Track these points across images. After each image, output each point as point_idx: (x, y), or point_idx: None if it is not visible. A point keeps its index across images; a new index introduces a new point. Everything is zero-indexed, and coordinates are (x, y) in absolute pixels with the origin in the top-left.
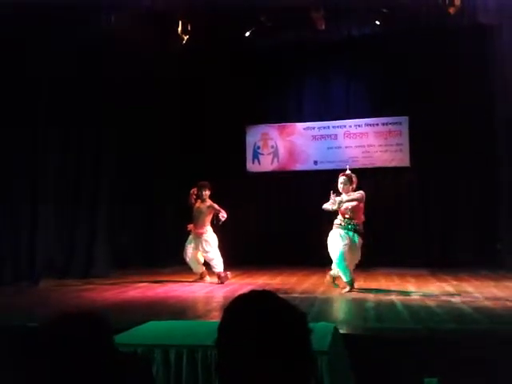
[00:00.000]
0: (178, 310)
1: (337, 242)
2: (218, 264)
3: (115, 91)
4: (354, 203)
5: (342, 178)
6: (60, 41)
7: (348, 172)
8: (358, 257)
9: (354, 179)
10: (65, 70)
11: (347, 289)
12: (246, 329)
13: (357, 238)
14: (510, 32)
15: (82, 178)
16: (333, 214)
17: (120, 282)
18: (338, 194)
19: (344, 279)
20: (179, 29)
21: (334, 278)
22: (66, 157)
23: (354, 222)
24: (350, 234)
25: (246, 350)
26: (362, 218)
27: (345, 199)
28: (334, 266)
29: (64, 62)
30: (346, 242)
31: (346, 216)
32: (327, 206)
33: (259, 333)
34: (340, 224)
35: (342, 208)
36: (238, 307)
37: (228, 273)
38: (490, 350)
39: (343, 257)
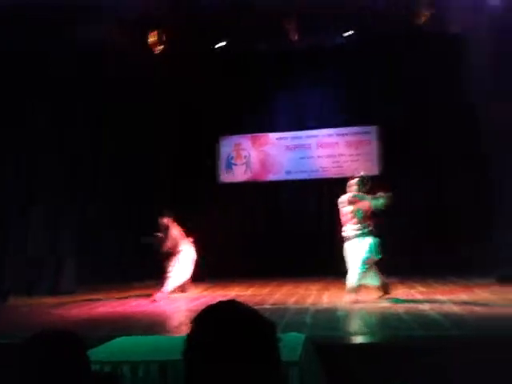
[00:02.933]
0: (147, 325)
1: (363, 248)
2: (168, 285)
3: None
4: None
5: (356, 180)
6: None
7: (362, 174)
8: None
9: (368, 182)
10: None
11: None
12: (213, 339)
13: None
14: (475, 41)
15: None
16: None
17: (90, 297)
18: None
19: (353, 284)
20: (151, 40)
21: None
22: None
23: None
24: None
25: (213, 360)
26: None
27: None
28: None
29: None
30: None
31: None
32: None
33: (226, 342)
34: (365, 231)
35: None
36: (205, 318)
37: (161, 302)
38: (456, 356)
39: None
